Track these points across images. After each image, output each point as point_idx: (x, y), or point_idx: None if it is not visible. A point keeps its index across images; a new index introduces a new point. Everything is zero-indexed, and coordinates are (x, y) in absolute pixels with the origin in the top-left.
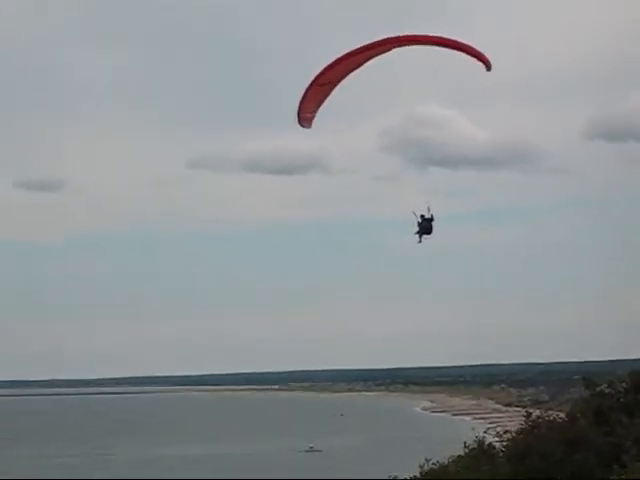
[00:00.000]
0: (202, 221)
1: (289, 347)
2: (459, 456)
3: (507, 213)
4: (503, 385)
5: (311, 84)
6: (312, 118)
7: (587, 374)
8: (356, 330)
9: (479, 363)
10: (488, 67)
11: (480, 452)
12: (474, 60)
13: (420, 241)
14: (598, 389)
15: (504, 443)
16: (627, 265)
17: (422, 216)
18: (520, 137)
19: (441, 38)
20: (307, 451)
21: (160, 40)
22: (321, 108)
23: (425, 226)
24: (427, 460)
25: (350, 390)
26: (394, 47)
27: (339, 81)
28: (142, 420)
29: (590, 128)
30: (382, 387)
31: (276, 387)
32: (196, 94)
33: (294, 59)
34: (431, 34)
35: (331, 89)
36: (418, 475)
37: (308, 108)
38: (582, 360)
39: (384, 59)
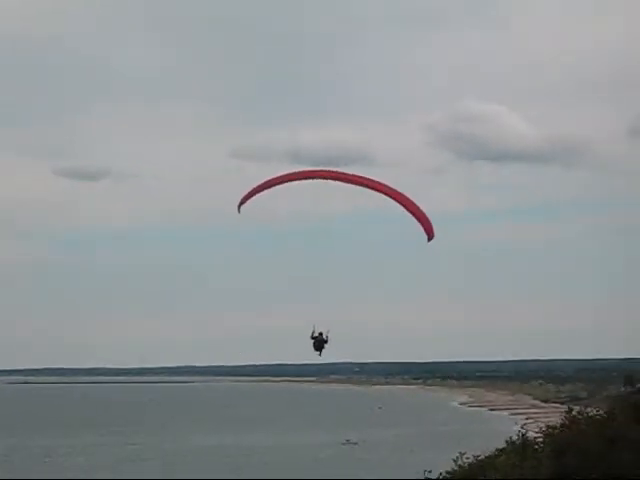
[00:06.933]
0: None
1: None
2: (500, 450)
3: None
4: (541, 381)
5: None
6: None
7: (626, 371)
8: (397, 324)
9: (517, 359)
10: (429, 238)
11: (522, 447)
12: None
13: (320, 354)
14: (638, 385)
15: (542, 439)
16: None
17: (320, 334)
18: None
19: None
20: (343, 444)
21: None
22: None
23: (318, 344)
24: (461, 454)
25: (387, 383)
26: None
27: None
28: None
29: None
30: (419, 381)
31: (313, 379)
32: None
33: None
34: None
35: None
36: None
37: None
38: (622, 357)
39: None
